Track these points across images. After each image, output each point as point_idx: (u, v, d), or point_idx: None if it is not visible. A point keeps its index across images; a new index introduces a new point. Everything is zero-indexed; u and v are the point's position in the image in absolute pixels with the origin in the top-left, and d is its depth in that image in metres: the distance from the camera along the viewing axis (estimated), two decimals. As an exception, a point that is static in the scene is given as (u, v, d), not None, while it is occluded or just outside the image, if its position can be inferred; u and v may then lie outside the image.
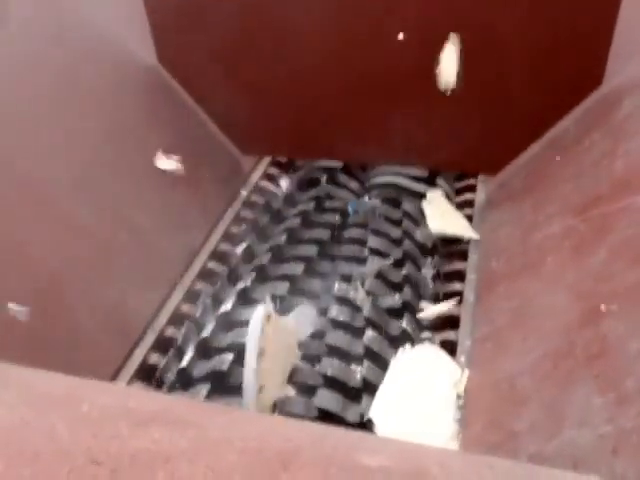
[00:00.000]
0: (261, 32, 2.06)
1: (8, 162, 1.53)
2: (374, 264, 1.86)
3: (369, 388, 1.55)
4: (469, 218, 2.07)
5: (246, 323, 1.62)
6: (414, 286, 1.84)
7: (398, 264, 1.90)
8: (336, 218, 2.11)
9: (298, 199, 2.28)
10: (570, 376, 1.22)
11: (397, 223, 2.08)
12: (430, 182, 2.26)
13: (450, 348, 1.65)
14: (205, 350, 1.68)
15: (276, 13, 2.01)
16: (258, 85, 2.17)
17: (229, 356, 1.61)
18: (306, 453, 0.62)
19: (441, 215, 2.10)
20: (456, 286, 1.85)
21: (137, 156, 1.92)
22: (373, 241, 1.97)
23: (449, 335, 1.70)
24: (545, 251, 1.59)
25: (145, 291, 1.74)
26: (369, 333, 1.65)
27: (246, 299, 1.82)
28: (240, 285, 1.87)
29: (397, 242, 1.99)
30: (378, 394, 1.54)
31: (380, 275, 1.83)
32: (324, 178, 2.34)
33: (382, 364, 1.61)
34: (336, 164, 2.37)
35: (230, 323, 1.75)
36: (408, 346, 1.65)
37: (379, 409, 1.52)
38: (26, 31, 1.77)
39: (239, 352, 1.58)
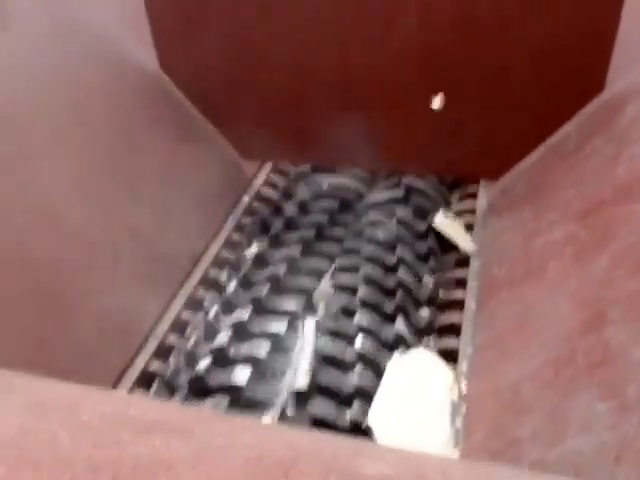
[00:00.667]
0: (262, 38, 2.07)
1: (8, 167, 1.54)
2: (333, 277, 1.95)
3: (319, 388, 1.61)
4: (470, 226, 2.08)
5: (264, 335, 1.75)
6: (371, 284, 1.91)
7: (355, 269, 1.97)
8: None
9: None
10: (572, 383, 1.22)
11: (360, 234, 2.16)
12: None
13: (452, 355, 1.66)
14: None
15: (277, 19, 2.02)
16: (259, 90, 2.17)
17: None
18: (306, 460, 0.62)
19: (449, 221, 2.12)
20: (457, 293, 1.85)
21: (138, 161, 1.92)
22: (340, 259, 2.04)
23: (451, 342, 1.70)
24: (547, 258, 1.58)
25: (146, 298, 1.74)
26: (321, 339, 1.73)
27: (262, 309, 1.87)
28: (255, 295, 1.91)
29: (356, 251, 2.06)
30: (375, 400, 1.56)
31: (337, 285, 1.91)
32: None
33: (332, 362, 1.68)
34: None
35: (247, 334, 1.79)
36: (400, 351, 1.69)
37: (377, 415, 1.52)
38: (27, 37, 1.77)
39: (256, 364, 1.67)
